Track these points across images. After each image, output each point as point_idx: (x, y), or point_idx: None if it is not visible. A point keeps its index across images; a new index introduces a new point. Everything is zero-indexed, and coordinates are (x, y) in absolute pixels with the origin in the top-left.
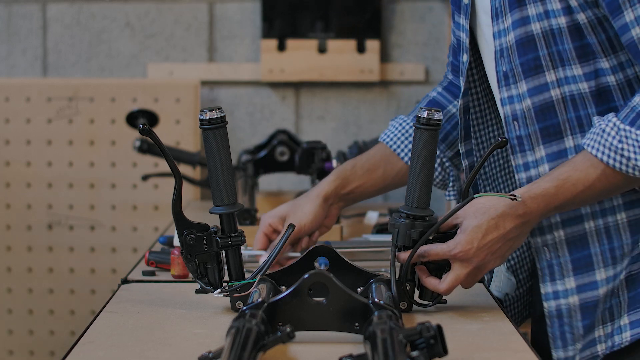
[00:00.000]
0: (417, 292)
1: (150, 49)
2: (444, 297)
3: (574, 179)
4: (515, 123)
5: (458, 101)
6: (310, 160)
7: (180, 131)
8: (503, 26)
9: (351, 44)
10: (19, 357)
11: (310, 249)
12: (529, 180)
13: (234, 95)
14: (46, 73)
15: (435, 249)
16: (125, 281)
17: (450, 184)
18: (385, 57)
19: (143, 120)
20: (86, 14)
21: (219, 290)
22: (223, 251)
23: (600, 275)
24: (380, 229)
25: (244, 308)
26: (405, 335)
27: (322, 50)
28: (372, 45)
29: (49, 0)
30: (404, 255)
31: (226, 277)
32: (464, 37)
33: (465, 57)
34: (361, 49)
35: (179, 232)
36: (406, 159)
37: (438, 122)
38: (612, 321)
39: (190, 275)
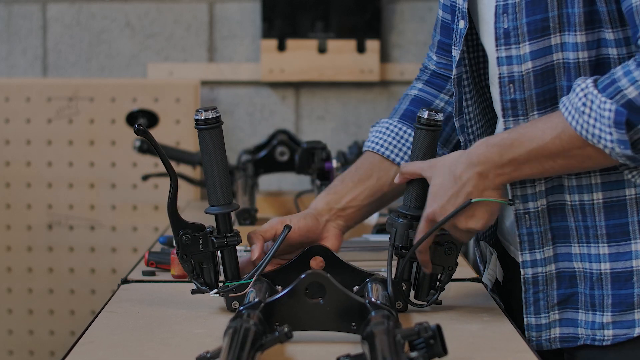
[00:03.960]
0: (412, 293)
1: (150, 49)
2: (439, 299)
3: (531, 134)
4: (511, 86)
5: (444, 94)
6: (310, 160)
7: (180, 131)
8: None
9: (351, 44)
10: (19, 357)
11: (305, 248)
12: None
13: (234, 95)
14: (46, 73)
15: (419, 229)
16: (125, 281)
17: None
18: (385, 57)
19: (141, 121)
20: (86, 14)
21: (215, 290)
22: (219, 251)
23: (575, 250)
24: (381, 229)
25: (241, 308)
26: (404, 335)
27: (322, 50)
28: (372, 45)
29: (49, 0)
30: (420, 243)
31: (222, 278)
32: (461, 1)
33: (462, 24)
34: (361, 49)
35: (175, 232)
36: (402, 162)
37: (438, 122)
38: (593, 311)
39: None
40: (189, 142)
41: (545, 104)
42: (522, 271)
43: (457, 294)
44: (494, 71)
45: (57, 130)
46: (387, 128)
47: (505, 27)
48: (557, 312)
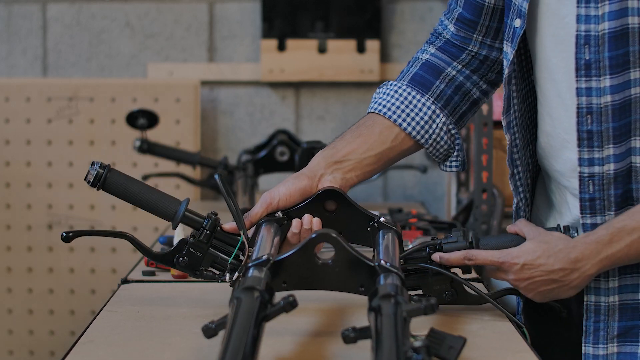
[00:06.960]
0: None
1: (150, 49)
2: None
3: (630, 228)
4: (589, 117)
5: (457, 63)
6: (310, 160)
7: (180, 131)
8: (595, 12)
9: (351, 44)
10: (19, 357)
11: (319, 191)
12: (591, 175)
13: (234, 95)
14: (46, 73)
15: (484, 254)
16: (125, 281)
17: (455, 153)
18: (385, 57)
19: (141, 121)
20: (86, 14)
21: (229, 276)
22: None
23: None
24: None
25: (250, 265)
26: (409, 312)
27: (322, 50)
28: (372, 45)
29: (49, 0)
30: (446, 256)
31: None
32: (525, 3)
33: (518, 23)
34: (361, 49)
35: (172, 265)
36: (409, 129)
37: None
38: None
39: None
40: (189, 142)
41: (620, 138)
42: (585, 297)
43: None
44: (544, 74)
45: (57, 130)
46: (396, 92)
47: (587, 58)
48: (615, 344)
